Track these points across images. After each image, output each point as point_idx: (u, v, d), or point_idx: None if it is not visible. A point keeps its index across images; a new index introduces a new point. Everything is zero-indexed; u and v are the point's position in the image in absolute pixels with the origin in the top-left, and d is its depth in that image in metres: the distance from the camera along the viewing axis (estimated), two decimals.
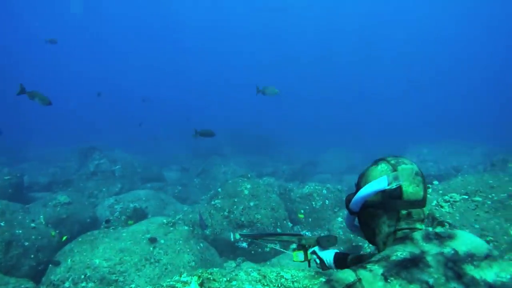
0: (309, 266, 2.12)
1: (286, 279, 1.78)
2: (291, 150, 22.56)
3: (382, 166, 1.40)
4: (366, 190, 1.37)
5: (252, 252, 7.50)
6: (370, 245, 6.06)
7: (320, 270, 2.05)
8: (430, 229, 1.30)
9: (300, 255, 2.09)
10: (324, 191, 8.73)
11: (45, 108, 6.28)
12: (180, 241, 6.28)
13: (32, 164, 13.15)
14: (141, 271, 5.51)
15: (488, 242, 3.79)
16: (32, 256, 5.73)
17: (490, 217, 4.11)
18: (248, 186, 8.60)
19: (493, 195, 4.38)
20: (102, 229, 6.23)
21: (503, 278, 1.06)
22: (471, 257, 1.11)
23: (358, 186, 1.48)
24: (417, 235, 1.24)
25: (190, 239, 6.51)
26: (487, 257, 1.12)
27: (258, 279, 1.76)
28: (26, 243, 5.79)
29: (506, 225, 4.03)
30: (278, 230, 7.85)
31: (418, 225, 1.32)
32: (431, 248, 1.16)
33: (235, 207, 7.99)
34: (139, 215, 7.87)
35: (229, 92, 44.53)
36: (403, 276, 1.06)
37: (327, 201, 8.55)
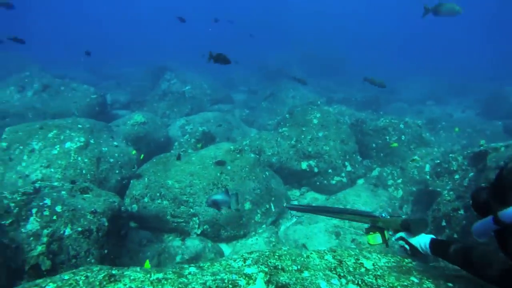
0: (387, 246, 1.86)
1: (367, 270, 1.53)
2: (366, 75, 20.86)
3: None
4: None
5: (317, 183, 7.45)
6: (450, 193, 5.45)
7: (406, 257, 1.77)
8: None
9: (377, 237, 1.82)
10: (401, 126, 7.96)
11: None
12: (246, 168, 6.38)
13: (113, 83, 14.10)
14: (209, 194, 5.81)
15: None
16: (117, 171, 6.36)
17: None
18: (318, 115, 8.19)
19: None
20: (174, 152, 6.55)
21: None
22: None
23: (508, 188, 1.09)
24: None
25: (255, 167, 6.59)
26: None
27: (333, 266, 1.55)
28: (111, 160, 6.39)
29: None
30: (347, 164, 7.56)
31: None
32: None
33: (302, 136, 7.78)
34: (207, 138, 8.13)
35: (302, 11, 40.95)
36: None
37: (403, 136, 7.84)
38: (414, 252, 1.71)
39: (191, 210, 5.63)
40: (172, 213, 5.63)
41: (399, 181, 7.14)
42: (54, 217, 3.92)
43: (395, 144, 7.59)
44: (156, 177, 5.99)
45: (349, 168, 7.53)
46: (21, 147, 6.00)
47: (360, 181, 7.62)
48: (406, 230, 1.74)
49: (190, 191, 5.79)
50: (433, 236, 1.68)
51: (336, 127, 7.94)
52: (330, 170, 7.39)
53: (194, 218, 5.62)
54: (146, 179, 6.01)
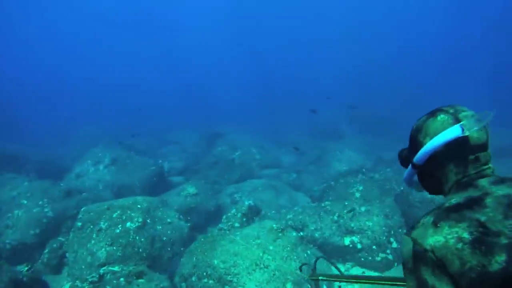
0: None
1: None
2: None
3: (442, 117, 1.42)
4: (436, 141, 1.38)
5: (362, 259, 7.35)
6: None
7: None
8: None
9: None
10: None
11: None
12: (288, 248, 6.59)
13: (171, 149, 15.50)
14: (252, 275, 6.07)
15: None
16: (169, 249, 6.97)
17: None
18: (360, 188, 8.28)
19: None
20: (220, 231, 7.03)
21: None
22: None
23: (415, 140, 1.51)
24: (484, 182, 1.28)
25: (297, 246, 6.76)
26: None
27: None
28: (164, 238, 7.05)
29: None
30: (392, 240, 7.40)
31: (485, 168, 1.36)
32: (497, 190, 1.18)
33: (345, 211, 7.85)
34: (253, 212, 8.54)
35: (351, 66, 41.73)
36: (452, 217, 1.11)
37: None
38: None
39: None
40: None
41: None
42: None
43: None
44: (203, 256, 6.44)
45: (394, 245, 7.33)
46: (91, 226, 6.94)
47: None
48: None
49: (234, 271, 6.12)
50: None
51: (380, 201, 7.90)
52: (374, 247, 7.28)
53: None
54: (194, 258, 6.50)
